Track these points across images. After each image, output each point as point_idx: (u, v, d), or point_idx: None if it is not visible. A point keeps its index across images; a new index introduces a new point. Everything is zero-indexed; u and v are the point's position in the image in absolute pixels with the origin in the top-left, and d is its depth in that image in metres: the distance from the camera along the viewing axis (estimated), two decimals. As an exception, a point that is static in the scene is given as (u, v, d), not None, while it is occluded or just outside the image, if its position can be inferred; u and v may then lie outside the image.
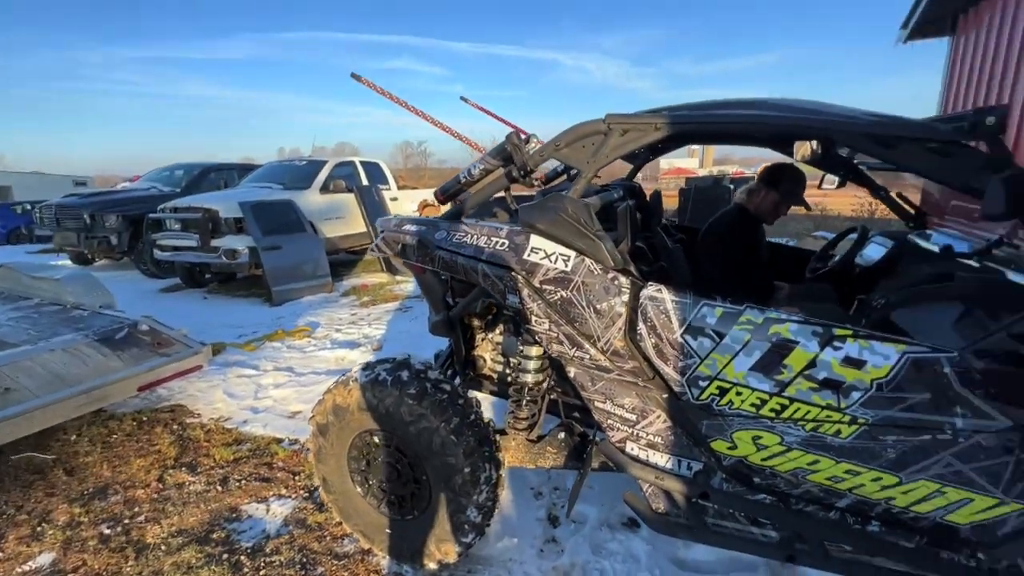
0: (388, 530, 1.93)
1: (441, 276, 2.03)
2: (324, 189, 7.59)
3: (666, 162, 33.84)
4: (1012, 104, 4.72)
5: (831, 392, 1.38)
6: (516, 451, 2.05)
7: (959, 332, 1.43)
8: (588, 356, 1.61)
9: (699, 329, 1.48)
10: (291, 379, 3.78)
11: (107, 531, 2.21)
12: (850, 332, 1.38)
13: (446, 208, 2.07)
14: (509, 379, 2.03)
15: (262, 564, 2.00)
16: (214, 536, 2.16)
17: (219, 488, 2.50)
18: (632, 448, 1.66)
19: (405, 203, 9.14)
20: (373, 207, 7.64)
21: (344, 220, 7.57)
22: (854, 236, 2.53)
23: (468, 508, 1.74)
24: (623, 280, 1.55)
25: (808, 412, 1.42)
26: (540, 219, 1.65)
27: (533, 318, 1.64)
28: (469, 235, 1.79)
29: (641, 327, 1.53)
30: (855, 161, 2.41)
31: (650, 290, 1.53)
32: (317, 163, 8.03)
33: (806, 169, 2.40)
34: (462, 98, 5.74)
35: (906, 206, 2.38)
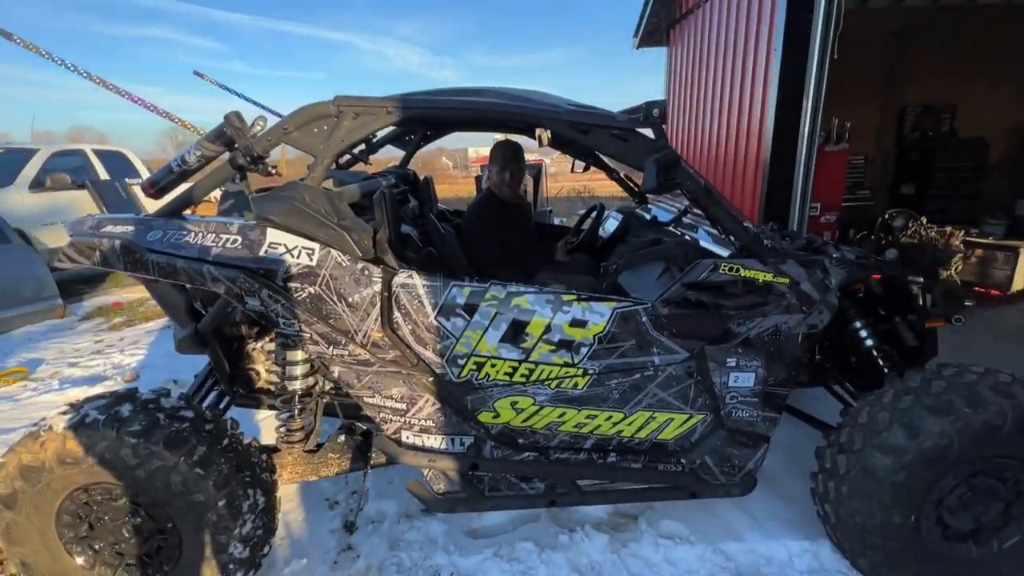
0: None
1: (180, 284, 1.74)
2: (36, 185, 5.86)
3: (474, 150, 35.01)
4: (699, 101, 6.04)
5: (565, 351, 1.61)
6: (330, 464, 1.89)
7: (660, 286, 1.77)
8: (348, 352, 1.58)
9: (451, 310, 1.56)
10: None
11: None
12: (575, 296, 1.61)
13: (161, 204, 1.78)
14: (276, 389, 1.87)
15: None
16: None
17: None
18: (407, 437, 1.69)
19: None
20: (118, 207, 6.18)
21: (75, 225, 5.96)
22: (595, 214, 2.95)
23: (231, 545, 1.56)
24: (374, 270, 1.54)
25: (551, 372, 1.63)
26: (275, 210, 1.54)
27: (280, 320, 1.54)
28: (191, 233, 1.58)
29: (397, 315, 1.56)
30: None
31: (402, 277, 1.56)
32: (22, 152, 6.16)
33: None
34: (196, 72, 4.96)
35: (633, 185, 2.84)
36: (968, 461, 1.53)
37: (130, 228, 1.61)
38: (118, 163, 7.27)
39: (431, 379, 1.63)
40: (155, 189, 1.71)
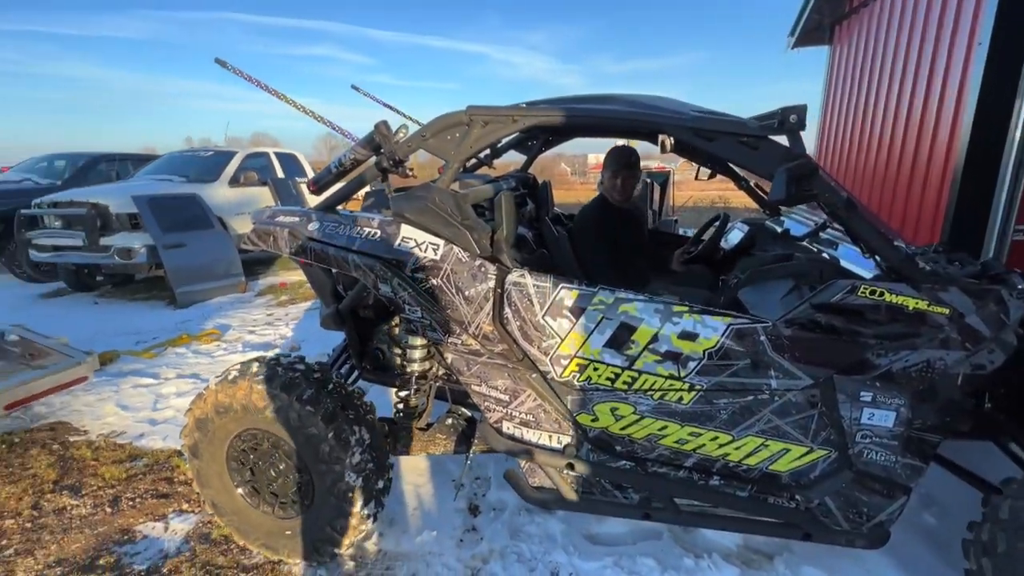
0: (290, 531, 1.92)
1: (328, 268, 2.03)
2: (234, 182, 7.10)
3: (594, 157, 34.70)
4: (875, 109, 5.32)
5: (672, 363, 1.58)
6: (438, 443, 2.05)
7: (786, 305, 1.66)
8: (460, 341, 1.71)
9: (558, 310, 1.62)
10: (196, 386, 3.53)
11: (-36, 571, 1.95)
12: (686, 308, 1.57)
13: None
14: (397, 369, 2.08)
15: (159, 586, 1.85)
16: (101, 562, 1.99)
17: (108, 510, 2.28)
18: (508, 427, 1.79)
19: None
20: (290, 201, 7.22)
21: (258, 215, 7.10)
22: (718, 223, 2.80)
23: (345, 474, 1.76)
24: (489, 267, 1.66)
25: (655, 382, 1.61)
26: (409, 209, 1.73)
27: (405, 306, 1.72)
28: (342, 226, 1.82)
29: (507, 311, 1.65)
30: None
31: (514, 275, 1.65)
32: (225, 154, 7.49)
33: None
34: (353, 87, 5.56)
35: (762, 195, 2.65)
36: None
37: (296, 219, 1.92)
38: (291, 163, 8.52)
39: (535, 375, 1.70)
40: (317, 187, 2.02)
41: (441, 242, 1.69)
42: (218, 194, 6.84)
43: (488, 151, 3.01)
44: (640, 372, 1.60)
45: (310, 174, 8.87)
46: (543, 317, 1.63)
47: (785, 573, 1.85)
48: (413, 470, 2.50)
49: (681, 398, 1.60)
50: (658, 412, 1.63)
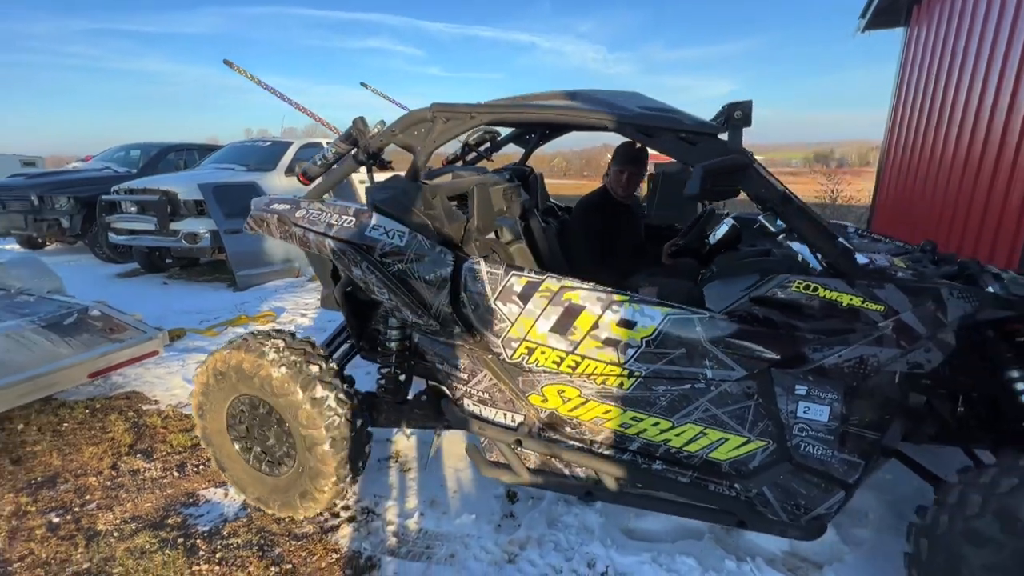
0: (276, 488, 2.15)
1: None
2: (289, 171, 7.39)
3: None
4: (956, 96, 4.90)
5: (612, 349, 1.67)
6: (416, 418, 2.23)
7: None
8: (423, 323, 1.87)
9: (507, 296, 1.75)
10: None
11: (56, 520, 2.18)
12: (627, 298, 1.66)
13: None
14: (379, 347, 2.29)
15: (219, 547, 2.00)
16: (169, 521, 2.15)
17: (176, 474, 2.47)
18: (468, 404, 1.96)
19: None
20: (340, 190, 7.47)
21: (311, 203, 7.40)
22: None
23: (323, 440, 1.95)
24: (448, 254, 1.82)
25: (597, 367, 1.71)
26: (380, 198, 1.92)
27: (375, 289, 1.89)
28: (324, 213, 2.00)
29: (463, 296, 1.80)
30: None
31: (470, 262, 1.80)
32: (281, 144, 7.84)
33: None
34: (362, 84, 5.67)
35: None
36: None
37: (287, 207, 2.13)
38: (343, 154, 8.78)
39: (489, 356, 1.85)
40: (306, 177, 2.24)
41: (406, 230, 1.85)
42: (275, 182, 7.19)
43: (488, 145, 3.20)
44: (583, 357, 1.70)
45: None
46: (495, 302, 1.76)
47: (835, 584, 1.78)
48: (455, 455, 2.58)
49: (622, 383, 1.69)
50: (602, 396, 1.74)
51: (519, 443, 1.87)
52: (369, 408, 2.21)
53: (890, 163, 6.60)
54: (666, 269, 2.68)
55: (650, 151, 2.17)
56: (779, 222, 2.52)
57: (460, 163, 3.18)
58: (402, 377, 2.19)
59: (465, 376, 1.90)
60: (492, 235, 2.34)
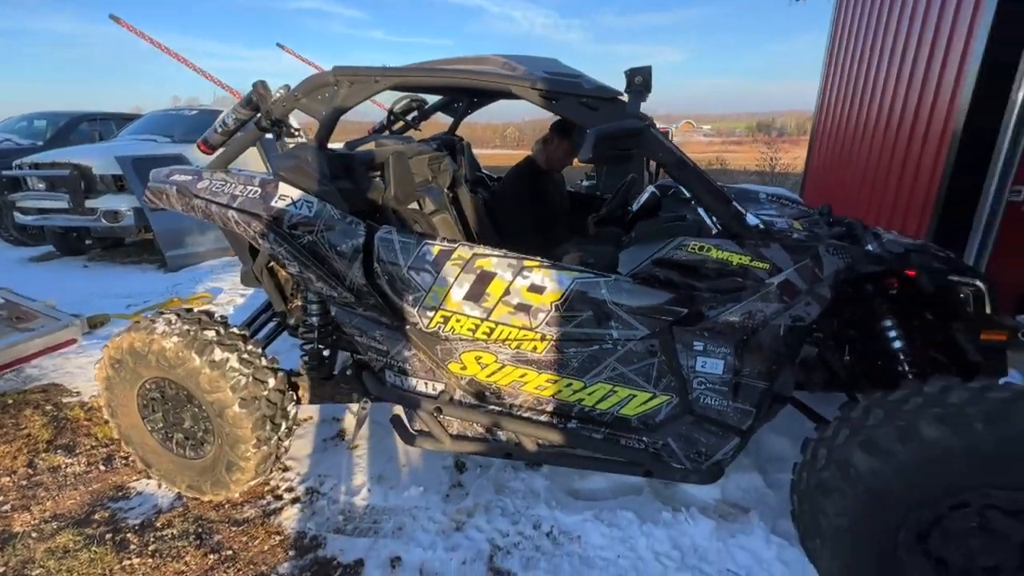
0: (190, 469, 2.10)
1: None
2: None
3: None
4: (872, 59, 5.13)
5: (524, 314, 1.72)
6: (343, 392, 2.21)
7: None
8: (337, 294, 1.85)
9: (420, 265, 1.76)
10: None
11: (-38, 526, 1.99)
12: (537, 263, 1.70)
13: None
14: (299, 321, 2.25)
15: (152, 539, 1.94)
16: (96, 517, 2.05)
17: (102, 468, 2.35)
18: (390, 376, 1.97)
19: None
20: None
21: (248, 176, 6.97)
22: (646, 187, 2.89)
23: (238, 419, 1.90)
24: (359, 224, 1.79)
25: (510, 333, 1.75)
26: (285, 168, 1.86)
27: (284, 261, 1.85)
28: (227, 184, 1.93)
29: (376, 266, 1.79)
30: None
31: (382, 232, 1.79)
32: (211, 113, 7.29)
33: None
34: (278, 44, 5.39)
35: None
36: (977, 487, 1.32)
37: (188, 178, 2.04)
38: (280, 124, 8.25)
39: (407, 326, 1.86)
40: (207, 146, 2.15)
41: (315, 200, 1.81)
42: (205, 155, 6.66)
43: (415, 113, 3.12)
44: (497, 323, 1.74)
45: (303, 134, 8.61)
46: (408, 271, 1.76)
47: (760, 524, 1.91)
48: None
49: (535, 347, 1.75)
50: (517, 360, 1.79)
51: (439, 411, 1.91)
52: (293, 384, 2.18)
53: (820, 132, 6.89)
54: (593, 238, 2.75)
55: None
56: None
57: (387, 132, 3.07)
58: (326, 352, 2.17)
59: (384, 347, 1.91)
60: (415, 205, 2.31)
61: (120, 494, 2.19)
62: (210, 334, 1.94)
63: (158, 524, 2.01)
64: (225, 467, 1.99)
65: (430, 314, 1.79)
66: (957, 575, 1.40)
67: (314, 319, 2.11)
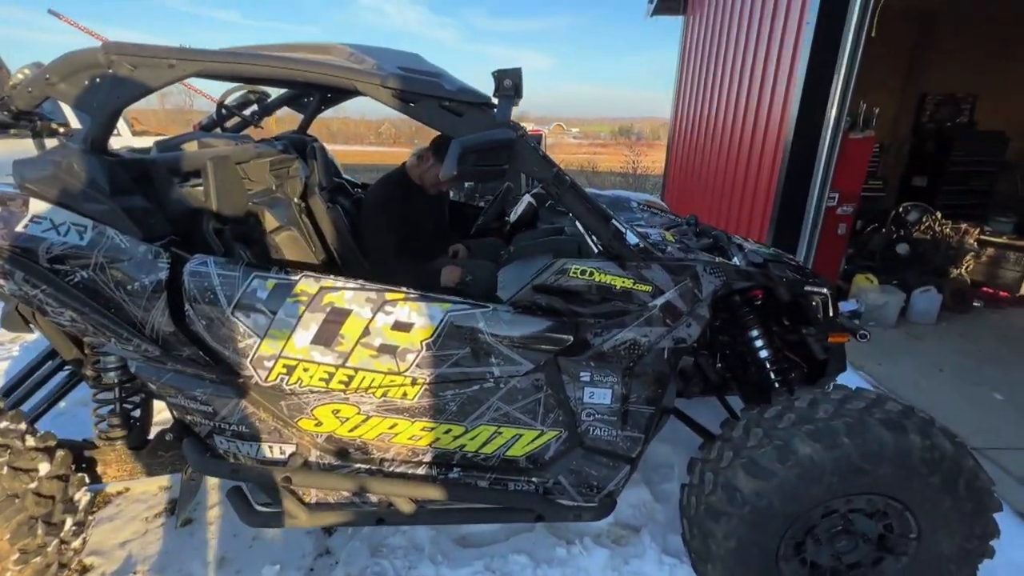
0: None
1: None
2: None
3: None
4: (717, 78, 5.69)
5: (389, 357, 1.46)
6: (161, 463, 1.75)
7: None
8: (134, 347, 1.42)
9: (250, 305, 1.40)
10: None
11: None
12: (401, 296, 1.45)
13: None
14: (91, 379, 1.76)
15: None
16: None
17: None
18: (221, 442, 1.57)
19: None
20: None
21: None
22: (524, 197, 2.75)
23: None
24: (161, 253, 1.38)
25: (374, 379, 1.48)
26: (36, 178, 1.36)
27: (47, 308, 1.38)
28: None
29: (189, 308, 1.40)
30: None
31: (193, 263, 1.40)
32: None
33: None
34: (51, 11, 4.54)
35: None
36: (842, 495, 1.40)
37: None
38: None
39: (239, 380, 1.49)
40: None
41: (88, 223, 1.35)
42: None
43: (255, 107, 2.65)
44: (356, 369, 1.46)
45: (123, 124, 7.14)
46: (233, 313, 1.40)
47: (652, 545, 1.89)
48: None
49: (405, 393, 1.51)
50: (384, 410, 1.53)
51: (288, 480, 1.56)
52: (88, 459, 1.69)
53: (676, 139, 7.52)
54: (470, 251, 2.53)
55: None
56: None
57: (218, 130, 2.55)
58: (136, 412, 1.71)
59: (210, 408, 1.50)
60: (252, 222, 1.90)
61: None
62: None
63: None
64: None
65: (268, 364, 1.43)
66: (827, 575, 1.49)
67: (111, 374, 1.63)
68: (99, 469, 1.72)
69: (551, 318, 1.48)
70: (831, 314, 1.82)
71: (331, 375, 1.45)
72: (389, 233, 2.20)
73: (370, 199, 2.35)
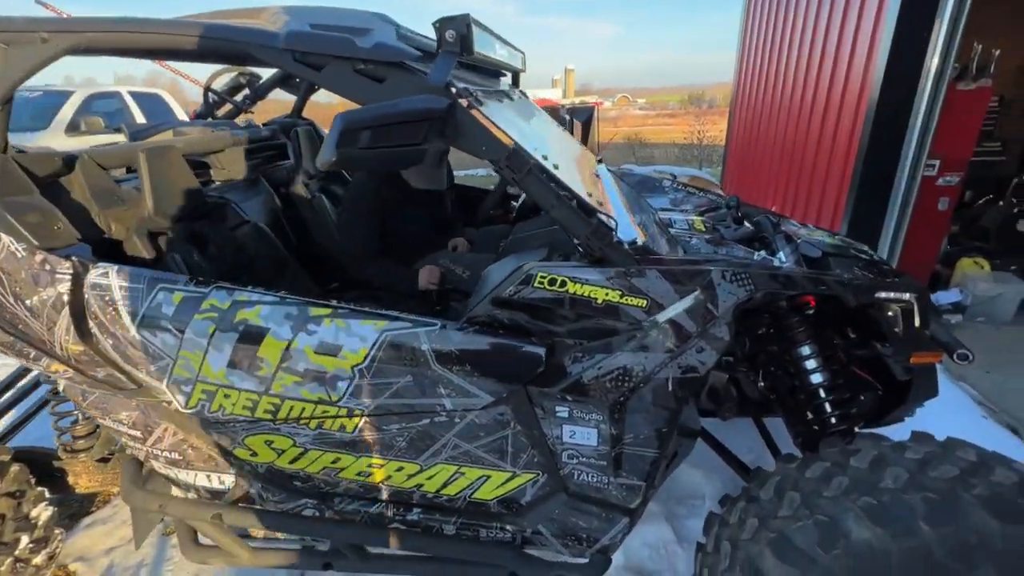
0: None
1: None
2: (72, 129, 5.80)
3: (530, 92, 33.19)
4: (785, 31, 4.90)
5: (317, 385, 1.22)
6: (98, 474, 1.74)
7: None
8: (45, 367, 1.28)
9: (155, 322, 1.20)
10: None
11: None
12: (327, 312, 1.20)
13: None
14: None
15: None
16: None
17: None
18: (158, 467, 1.42)
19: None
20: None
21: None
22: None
23: None
24: (58, 263, 1.19)
25: (304, 409, 1.25)
26: None
27: None
28: None
29: (91, 325, 1.22)
30: None
31: (95, 274, 1.21)
32: (58, 95, 6.09)
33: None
34: (38, 0, 4.57)
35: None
36: None
37: None
38: (155, 106, 7.14)
39: (162, 404, 1.31)
40: None
41: None
42: (52, 145, 5.58)
43: (246, 91, 2.46)
44: (282, 398, 1.23)
45: (183, 118, 7.50)
46: (138, 331, 1.20)
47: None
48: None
49: (343, 426, 1.26)
50: (322, 443, 1.29)
51: (219, 517, 1.39)
52: (58, 471, 1.65)
53: (739, 104, 6.70)
54: (474, 240, 2.24)
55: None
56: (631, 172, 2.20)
57: (209, 119, 2.41)
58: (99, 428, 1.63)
59: (138, 433, 1.35)
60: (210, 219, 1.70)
61: None
62: None
63: None
64: None
65: (187, 389, 1.23)
66: None
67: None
68: (71, 480, 1.66)
69: (514, 339, 1.16)
70: (918, 325, 1.37)
71: (254, 403, 1.23)
72: (366, 229, 1.92)
73: (347, 192, 2.09)
